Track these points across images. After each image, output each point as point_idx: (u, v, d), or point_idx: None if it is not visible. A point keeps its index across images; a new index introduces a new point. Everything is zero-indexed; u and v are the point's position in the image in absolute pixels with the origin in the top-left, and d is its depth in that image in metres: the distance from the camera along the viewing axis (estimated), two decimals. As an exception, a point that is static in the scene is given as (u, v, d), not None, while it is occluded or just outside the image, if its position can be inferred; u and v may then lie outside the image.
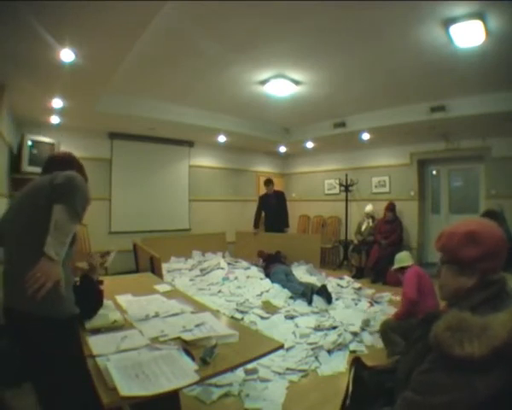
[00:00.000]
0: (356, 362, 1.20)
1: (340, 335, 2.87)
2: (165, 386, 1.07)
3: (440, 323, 0.78)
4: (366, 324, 3.16)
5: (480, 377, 0.71)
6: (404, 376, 0.87)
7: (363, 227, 5.97)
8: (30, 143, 4.09)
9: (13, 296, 1.20)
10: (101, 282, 1.70)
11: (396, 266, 2.81)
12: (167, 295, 2.15)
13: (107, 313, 1.68)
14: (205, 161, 6.69)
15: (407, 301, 2.50)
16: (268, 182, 5.89)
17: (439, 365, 0.76)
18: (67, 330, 1.22)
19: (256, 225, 5.95)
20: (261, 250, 5.15)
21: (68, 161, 1.42)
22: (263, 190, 6.24)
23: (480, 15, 2.43)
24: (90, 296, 1.55)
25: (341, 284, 4.46)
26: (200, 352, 1.28)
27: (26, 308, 1.14)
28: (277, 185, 6.75)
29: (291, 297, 3.72)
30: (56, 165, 1.36)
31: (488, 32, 2.58)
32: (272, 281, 4.20)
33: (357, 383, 1.16)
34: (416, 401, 0.77)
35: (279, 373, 2.36)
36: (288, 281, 4.05)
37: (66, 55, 2.58)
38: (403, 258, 2.81)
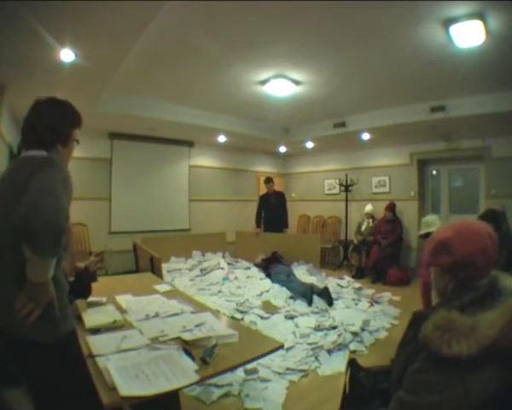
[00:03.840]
0: (351, 364, 1.20)
1: (340, 335, 2.87)
2: (165, 386, 1.07)
3: (429, 323, 0.78)
4: (366, 324, 3.16)
5: (471, 376, 0.71)
6: (397, 376, 0.88)
7: (363, 227, 5.97)
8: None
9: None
10: (95, 278, 1.70)
11: (423, 231, 2.51)
12: (167, 295, 2.14)
13: (107, 313, 1.68)
14: (205, 161, 6.69)
15: (421, 285, 2.21)
16: (268, 180, 5.88)
17: (429, 364, 0.77)
18: (63, 350, 1.07)
19: (258, 225, 5.93)
20: (263, 259, 5.12)
21: (48, 139, 1.17)
22: (263, 190, 6.24)
23: (480, 15, 2.43)
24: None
25: (341, 284, 4.46)
26: (200, 352, 1.28)
27: (14, 330, 1.00)
28: (277, 185, 6.75)
29: (291, 297, 3.72)
30: (33, 140, 1.16)
31: (488, 32, 2.57)
32: (273, 281, 4.20)
33: (354, 384, 1.16)
34: (408, 401, 0.77)
35: (279, 373, 2.36)
36: (289, 281, 4.04)
37: (66, 55, 2.58)
38: (430, 221, 2.50)
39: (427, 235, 2.49)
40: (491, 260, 0.87)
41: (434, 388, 0.74)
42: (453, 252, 0.88)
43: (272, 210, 5.82)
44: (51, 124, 1.18)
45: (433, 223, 2.53)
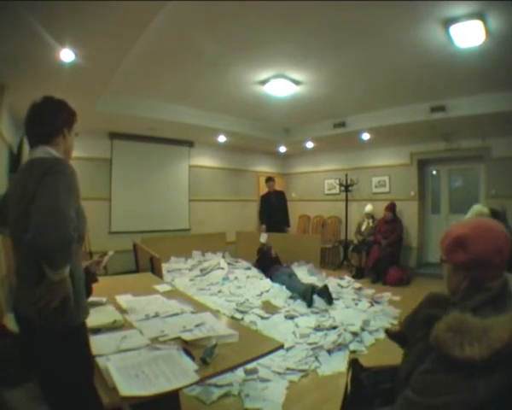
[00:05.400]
0: (353, 364, 1.20)
1: (340, 335, 2.86)
2: (165, 386, 1.07)
3: (441, 324, 0.78)
4: (366, 324, 3.16)
5: (480, 379, 0.70)
6: (405, 376, 0.87)
7: (363, 227, 5.97)
8: (29, 145, 4.07)
9: (18, 301, 1.17)
10: (96, 279, 1.70)
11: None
12: (167, 295, 2.15)
13: (107, 313, 1.68)
14: (205, 161, 6.69)
15: None
16: (269, 179, 5.88)
17: (439, 365, 0.76)
18: (74, 340, 1.13)
19: (263, 222, 5.85)
20: (257, 260, 5.14)
21: (49, 132, 1.26)
22: (263, 190, 6.24)
23: (480, 15, 2.43)
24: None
25: (342, 284, 4.46)
26: (200, 352, 1.28)
27: (31, 316, 1.08)
28: (277, 185, 6.74)
29: (291, 297, 3.72)
30: (37, 136, 1.25)
31: (488, 32, 2.57)
32: (274, 282, 4.19)
33: (356, 384, 1.16)
34: (415, 401, 0.77)
35: (279, 373, 2.36)
36: (291, 281, 4.04)
37: (66, 55, 2.58)
38: (483, 212, 2.32)
39: None
40: (505, 260, 0.86)
41: (442, 390, 0.73)
42: (469, 249, 0.87)
43: (273, 209, 5.82)
44: (54, 111, 1.27)
45: (484, 214, 2.33)
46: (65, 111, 1.31)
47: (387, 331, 1.40)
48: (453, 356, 0.72)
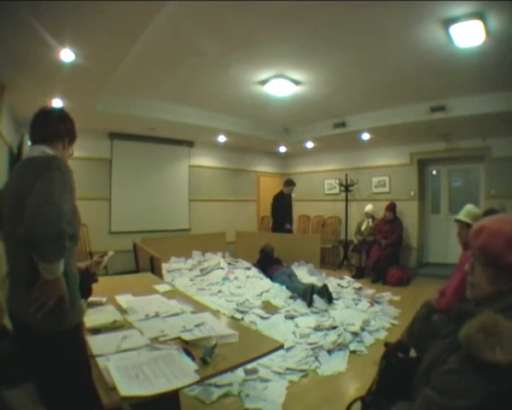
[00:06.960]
0: (389, 353, 1.18)
1: (340, 335, 2.87)
2: (165, 386, 1.07)
3: (474, 323, 0.75)
4: (366, 324, 3.16)
5: (501, 384, 0.69)
6: (424, 369, 0.86)
7: (363, 227, 5.97)
8: (30, 143, 4.07)
9: (12, 303, 1.17)
10: (96, 279, 1.70)
11: (466, 218, 2.12)
12: (167, 295, 2.14)
13: (107, 313, 1.68)
14: (205, 161, 6.69)
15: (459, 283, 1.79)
16: (291, 183, 5.75)
17: (465, 367, 0.74)
18: (69, 341, 1.14)
19: (286, 223, 5.69)
20: (258, 261, 5.08)
21: (53, 134, 1.31)
22: (263, 190, 6.23)
23: (480, 15, 2.43)
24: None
25: (342, 284, 4.46)
26: (200, 352, 1.28)
27: (25, 318, 1.09)
28: (278, 185, 6.75)
29: (291, 297, 3.71)
30: (39, 135, 1.31)
31: (488, 32, 2.57)
32: (274, 281, 4.19)
33: (386, 375, 1.15)
34: (435, 401, 0.75)
35: (279, 373, 2.36)
36: (291, 281, 4.04)
37: (66, 55, 2.59)
38: (477, 214, 2.12)
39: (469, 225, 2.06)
40: None
41: (465, 392, 0.71)
42: None
43: (287, 210, 5.82)
44: (61, 119, 1.34)
45: (477, 217, 2.11)
46: (70, 126, 1.37)
47: (387, 345, 1.38)
48: (483, 359, 0.70)
